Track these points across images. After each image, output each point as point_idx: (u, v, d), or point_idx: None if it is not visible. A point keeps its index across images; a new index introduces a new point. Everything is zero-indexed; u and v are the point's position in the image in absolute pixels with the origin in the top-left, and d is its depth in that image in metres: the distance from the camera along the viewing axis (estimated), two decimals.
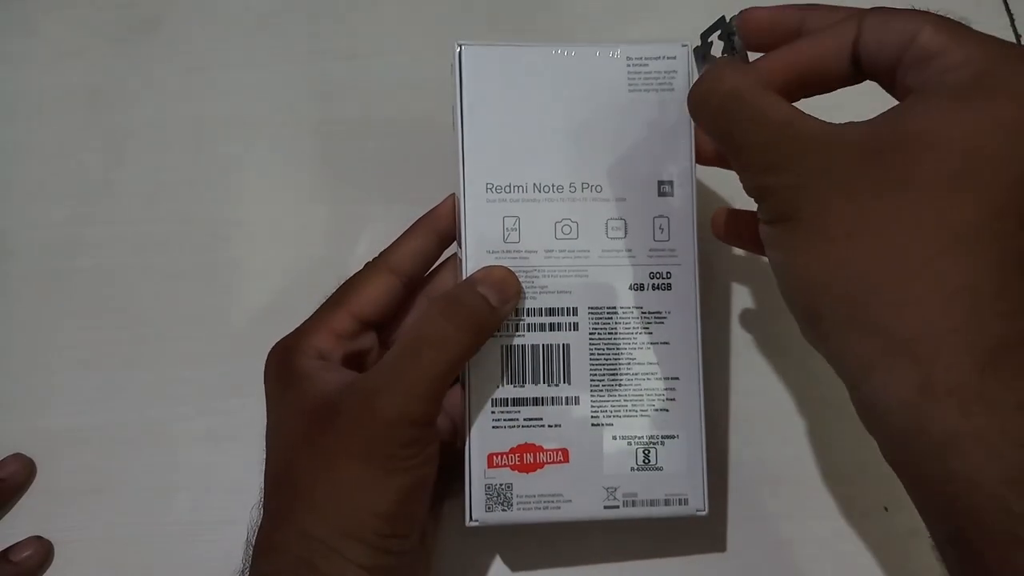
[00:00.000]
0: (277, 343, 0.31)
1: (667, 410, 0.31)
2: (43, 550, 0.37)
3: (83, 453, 0.38)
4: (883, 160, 0.23)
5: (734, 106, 0.25)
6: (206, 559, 0.37)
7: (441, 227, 0.33)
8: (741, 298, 0.39)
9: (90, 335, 0.39)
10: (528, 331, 0.31)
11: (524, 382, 0.31)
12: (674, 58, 0.32)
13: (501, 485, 0.30)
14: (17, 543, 0.37)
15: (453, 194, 0.32)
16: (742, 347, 0.39)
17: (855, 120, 0.24)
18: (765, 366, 0.39)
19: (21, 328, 0.40)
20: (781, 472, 0.38)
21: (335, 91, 0.42)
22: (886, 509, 0.37)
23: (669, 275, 0.31)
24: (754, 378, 0.39)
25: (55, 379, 0.39)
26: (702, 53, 0.31)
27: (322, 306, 0.32)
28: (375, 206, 0.41)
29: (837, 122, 0.24)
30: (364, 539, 0.27)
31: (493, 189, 0.31)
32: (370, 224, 0.41)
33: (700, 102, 0.27)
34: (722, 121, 0.26)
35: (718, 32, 0.30)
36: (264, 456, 0.30)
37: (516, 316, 0.31)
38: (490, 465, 0.30)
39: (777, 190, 0.25)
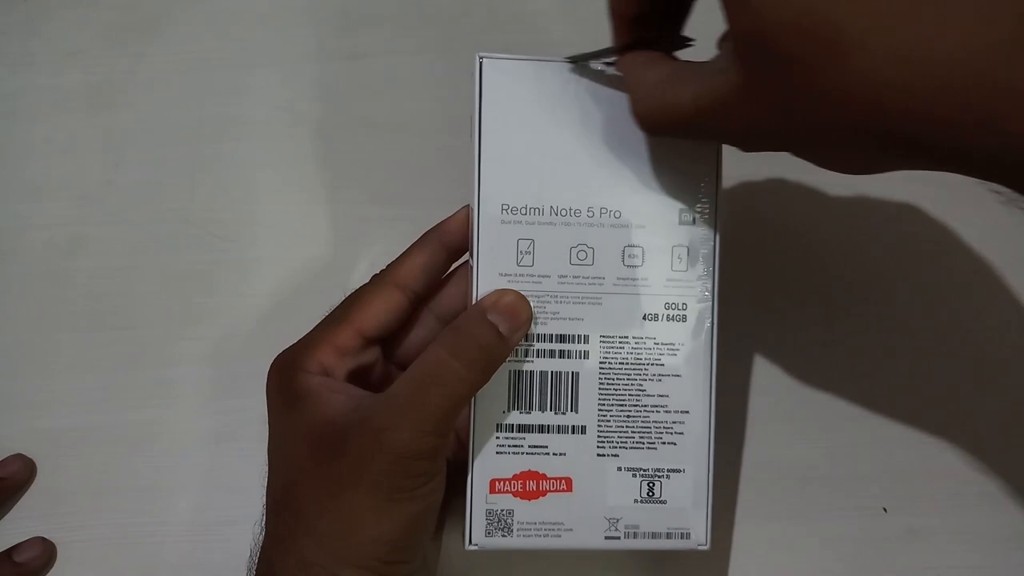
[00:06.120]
0: (279, 356, 0.31)
1: (675, 443, 0.30)
2: (47, 552, 0.37)
3: (83, 453, 0.38)
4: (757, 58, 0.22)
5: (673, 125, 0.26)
6: (206, 559, 0.37)
7: (450, 242, 0.32)
8: (747, 303, 0.39)
9: (90, 335, 0.39)
10: (537, 357, 0.30)
11: (531, 409, 0.30)
12: None
13: (502, 511, 0.30)
14: (21, 543, 0.37)
15: (465, 208, 0.32)
16: (740, 350, 0.39)
17: None
18: (765, 369, 0.39)
19: (21, 328, 0.40)
20: (780, 473, 0.38)
21: (336, 91, 0.42)
22: (885, 510, 0.37)
23: (685, 306, 0.30)
24: (754, 381, 0.39)
25: (55, 379, 0.39)
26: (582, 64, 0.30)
27: (326, 320, 0.31)
28: (376, 207, 0.41)
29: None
30: (368, 566, 0.27)
31: (509, 210, 0.30)
32: (371, 225, 0.41)
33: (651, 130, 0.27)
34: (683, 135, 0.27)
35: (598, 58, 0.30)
36: (265, 468, 0.30)
37: (526, 342, 0.30)
38: (492, 491, 0.30)
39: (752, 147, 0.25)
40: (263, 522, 0.30)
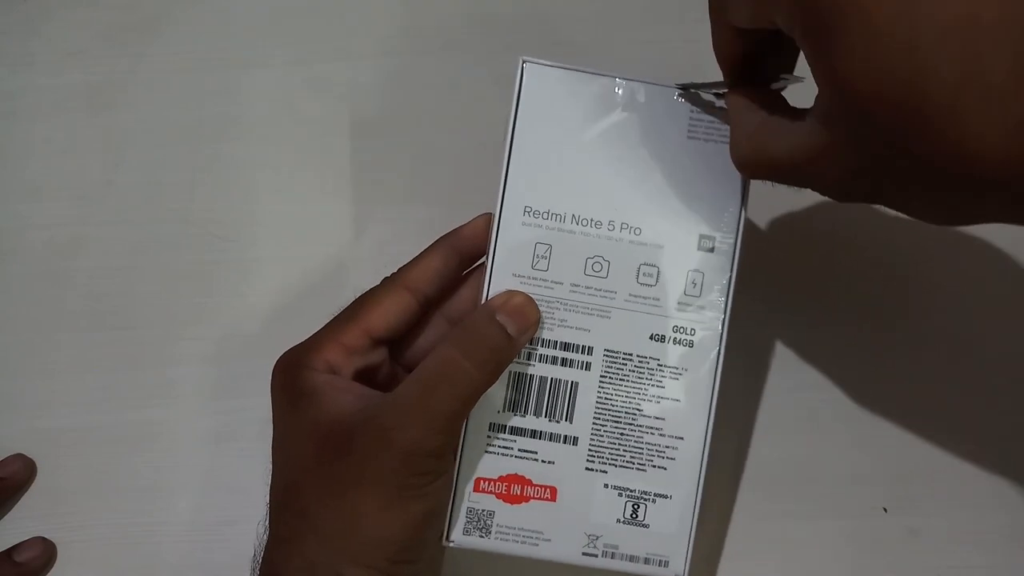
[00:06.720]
0: (284, 355, 0.31)
1: (665, 468, 0.30)
2: (48, 552, 0.37)
3: (83, 453, 0.38)
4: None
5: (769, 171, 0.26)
6: (206, 559, 0.37)
7: (463, 248, 0.32)
8: (754, 303, 0.39)
9: (90, 335, 0.39)
10: (539, 362, 0.30)
11: (526, 412, 0.30)
12: None
13: (483, 511, 0.30)
14: (21, 543, 0.37)
15: (481, 216, 0.32)
16: (742, 349, 0.39)
17: None
18: (766, 369, 0.39)
19: (21, 328, 0.40)
20: (780, 473, 0.38)
21: (335, 91, 0.42)
22: (885, 510, 0.37)
23: (693, 332, 0.30)
24: (753, 381, 0.39)
25: (55, 379, 0.39)
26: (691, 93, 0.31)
27: (334, 319, 0.31)
28: (377, 207, 0.41)
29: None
30: (374, 565, 0.27)
31: (530, 213, 0.30)
32: (371, 225, 0.41)
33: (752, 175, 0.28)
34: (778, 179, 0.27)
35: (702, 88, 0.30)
36: (267, 468, 0.30)
37: (530, 345, 0.30)
38: (476, 489, 0.30)
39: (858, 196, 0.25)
40: (266, 522, 0.30)
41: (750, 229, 0.39)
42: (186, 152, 0.41)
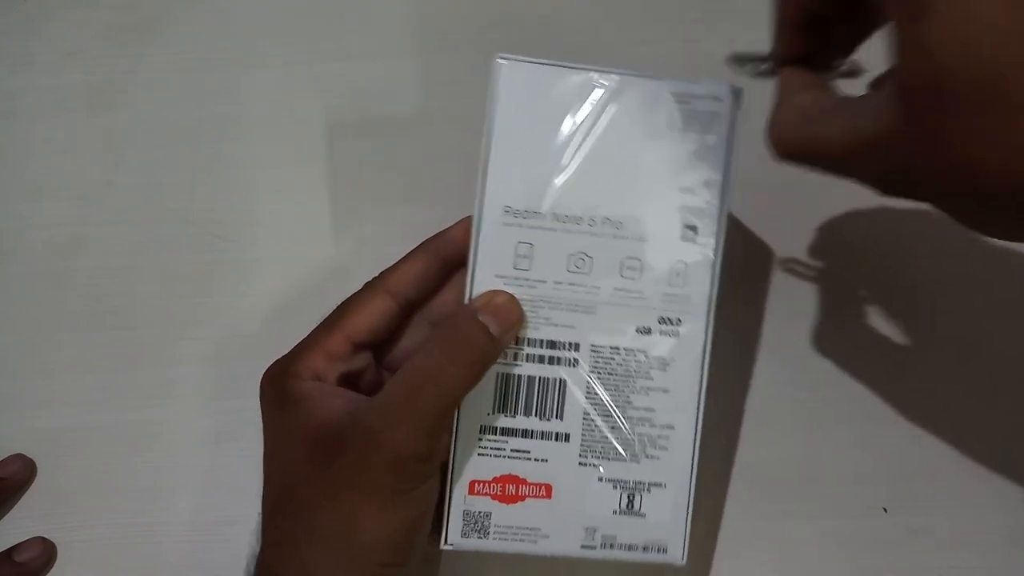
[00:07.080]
0: (271, 366, 0.31)
1: (658, 458, 0.31)
2: (48, 552, 0.37)
3: (83, 453, 0.38)
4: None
5: (812, 155, 0.25)
6: (206, 559, 0.37)
7: (446, 253, 0.32)
8: (749, 300, 0.39)
9: (90, 335, 0.39)
10: (526, 361, 0.30)
11: (516, 412, 0.30)
12: (721, 100, 0.30)
13: (480, 513, 0.30)
14: (21, 543, 0.37)
15: (464, 220, 0.32)
16: (741, 347, 0.39)
17: None
18: (765, 367, 0.39)
19: (21, 328, 0.40)
20: (780, 473, 0.38)
21: (335, 91, 0.42)
22: (885, 510, 0.37)
23: (679, 322, 0.30)
24: (754, 380, 0.39)
25: (55, 379, 0.39)
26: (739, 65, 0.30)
27: (317, 327, 0.31)
28: (376, 207, 0.41)
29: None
30: (367, 569, 0.27)
31: (511, 212, 0.30)
32: (370, 225, 0.41)
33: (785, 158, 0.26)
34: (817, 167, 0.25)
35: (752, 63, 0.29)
36: (262, 477, 0.30)
37: (516, 345, 0.30)
38: (471, 492, 0.30)
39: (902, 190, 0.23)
40: (259, 532, 0.30)
41: (749, 228, 0.39)
42: (186, 152, 0.41)
